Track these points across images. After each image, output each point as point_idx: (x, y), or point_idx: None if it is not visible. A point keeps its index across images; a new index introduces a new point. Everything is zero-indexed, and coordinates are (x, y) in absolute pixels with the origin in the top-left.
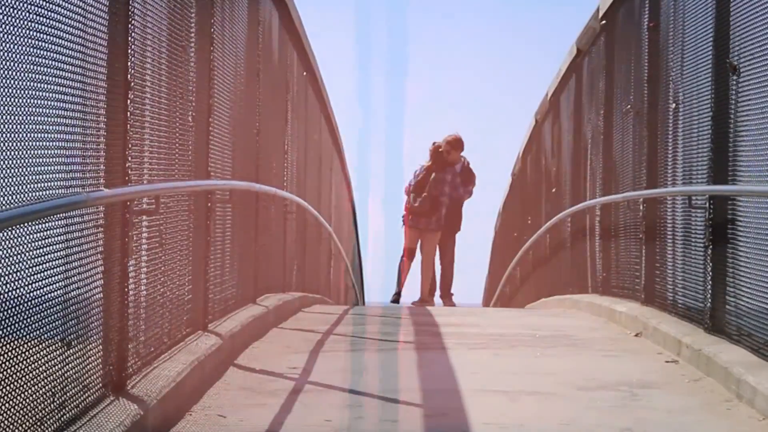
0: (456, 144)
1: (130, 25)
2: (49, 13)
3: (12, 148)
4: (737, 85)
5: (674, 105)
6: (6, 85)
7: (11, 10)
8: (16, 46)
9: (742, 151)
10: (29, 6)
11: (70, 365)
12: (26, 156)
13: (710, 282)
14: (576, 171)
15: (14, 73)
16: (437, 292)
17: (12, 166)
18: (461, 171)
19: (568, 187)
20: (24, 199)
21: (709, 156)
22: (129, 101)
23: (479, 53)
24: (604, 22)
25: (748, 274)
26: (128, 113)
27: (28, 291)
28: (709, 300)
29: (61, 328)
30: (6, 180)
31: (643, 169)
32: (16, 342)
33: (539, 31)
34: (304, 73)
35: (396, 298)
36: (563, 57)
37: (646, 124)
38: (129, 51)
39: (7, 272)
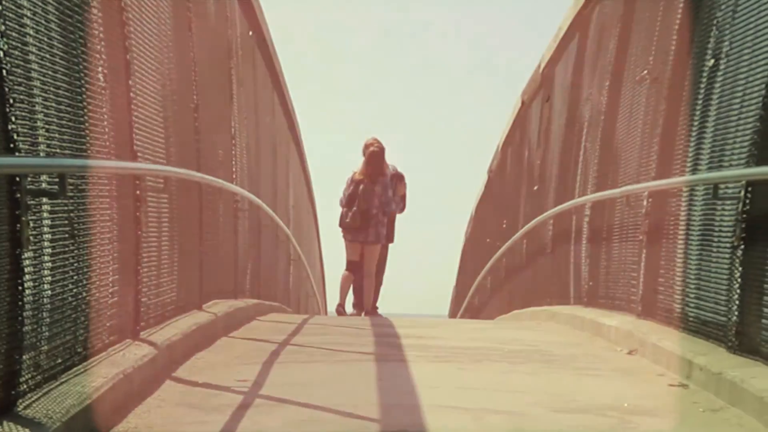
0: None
1: None
2: None
3: None
4: None
5: (713, 60)
6: None
7: None
8: None
9: None
10: None
11: None
12: None
13: (738, 290)
14: (565, 162)
15: None
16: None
17: None
18: (391, 177)
19: (553, 183)
20: None
21: (755, 129)
22: (3, 53)
23: (461, 37)
24: None
25: None
26: (2, 68)
27: None
28: (736, 312)
29: None
30: None
31: (652, 154)
32: None
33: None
34: (250, 33)
35: (339, 310)
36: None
37: (666, 93)
38: None
39: None
